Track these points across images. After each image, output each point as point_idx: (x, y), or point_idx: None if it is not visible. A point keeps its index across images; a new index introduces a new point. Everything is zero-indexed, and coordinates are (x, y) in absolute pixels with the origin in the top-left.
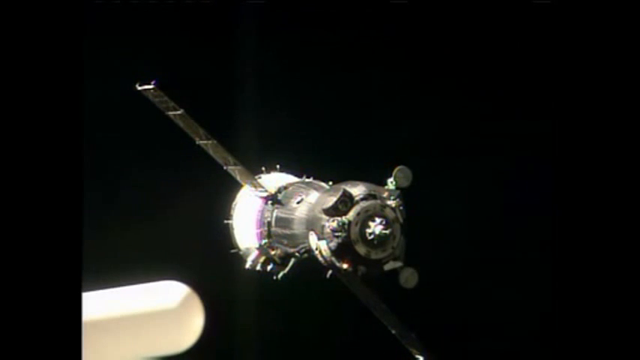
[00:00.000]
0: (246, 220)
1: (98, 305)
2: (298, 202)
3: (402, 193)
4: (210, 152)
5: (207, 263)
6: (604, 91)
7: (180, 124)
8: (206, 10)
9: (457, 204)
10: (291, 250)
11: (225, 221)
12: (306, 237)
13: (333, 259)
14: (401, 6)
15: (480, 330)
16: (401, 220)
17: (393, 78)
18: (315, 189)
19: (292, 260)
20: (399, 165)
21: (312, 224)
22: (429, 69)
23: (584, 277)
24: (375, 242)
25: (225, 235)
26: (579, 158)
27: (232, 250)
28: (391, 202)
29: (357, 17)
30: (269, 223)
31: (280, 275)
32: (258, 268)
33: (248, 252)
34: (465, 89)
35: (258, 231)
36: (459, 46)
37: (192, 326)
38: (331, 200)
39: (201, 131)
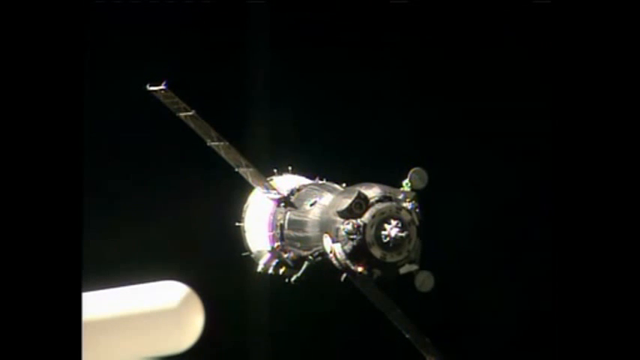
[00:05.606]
0: (258, 222)
1: (98, 305)
2: (312, 205)
3: (418, 194)
4: (222, 154)
5: (219, 266)
6: (604, 91)
7: (192, 125)
8: (217, 10)
9: (457, 204)
10: (305, 253)
11: (237, 224)
12: (320, 240)
13: (348, 262)
14: (401, 6)
15: (481, 330)
16: (417, 222)
17: (402, 78)
18: (329, 191)
19: (305, 263)
20: (414, 166)
21: (326, 227)
22: (431, 69)
23: (584, 277)
24: (391, 245)
25: (236, 238)
26: (579, 158)
27: (244, 253)
28: (407, 204)
29: (364, 17)
30: (281, 226)
31: (293, 279)
32: (271, 271)
33: (260, 255)
34: (465, 89)
35: (271, 234)
36: (460, 46)
37: (192, 326)
38: (346, 202)
39: (213, 132)
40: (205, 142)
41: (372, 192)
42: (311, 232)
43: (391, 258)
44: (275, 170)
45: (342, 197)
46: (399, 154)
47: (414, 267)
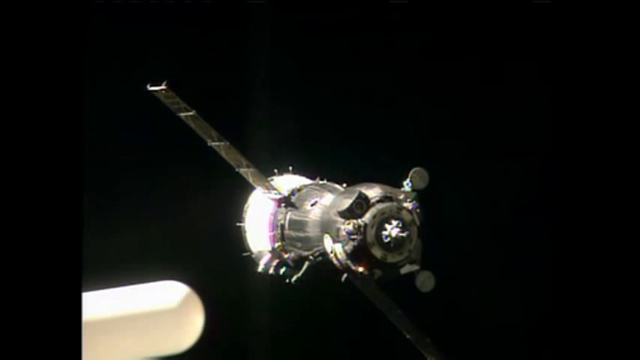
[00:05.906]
0: (259, 222)
1: (98, 305)
2: (312, 205)
3: (419, 195)
4: (223, 154)
5: (219, 266)
6: (604, 91)
7: (192, 125)
8: (217, 10)
9: (458, 204)
10: (305, 254)
11: (238, 224)
12: (321, 240)
13: (349, 262)
14: (401, 6)
15: (482, 330)
16: (417, 222)
17: (402, 78)
18: (330, 191)
19: (306, 263)
20: (415, 166)
21: (326, 227)
22: (431, 69)
23: (585, 277)
24: (392, 245)
25: (237, 238)
26: (580, 158)
27: (244, 254)
28: (407, 205)
29: (364, 17)
30: (282, 226)
31: (294, 279)
32: (271, 271)
33: (260, 255)
34: (465, 90)
35: (271, 234)
36: (460, 46)
37: (192, 326)
38: (346, 202)
39: (214, 133)
40: (206, 142)
41: (373, 192)
42: (312, 232)
43: (392, 258)
44: (275, 170)
45: (343, 197)
46: (399, 154)
47: (415, 267)
